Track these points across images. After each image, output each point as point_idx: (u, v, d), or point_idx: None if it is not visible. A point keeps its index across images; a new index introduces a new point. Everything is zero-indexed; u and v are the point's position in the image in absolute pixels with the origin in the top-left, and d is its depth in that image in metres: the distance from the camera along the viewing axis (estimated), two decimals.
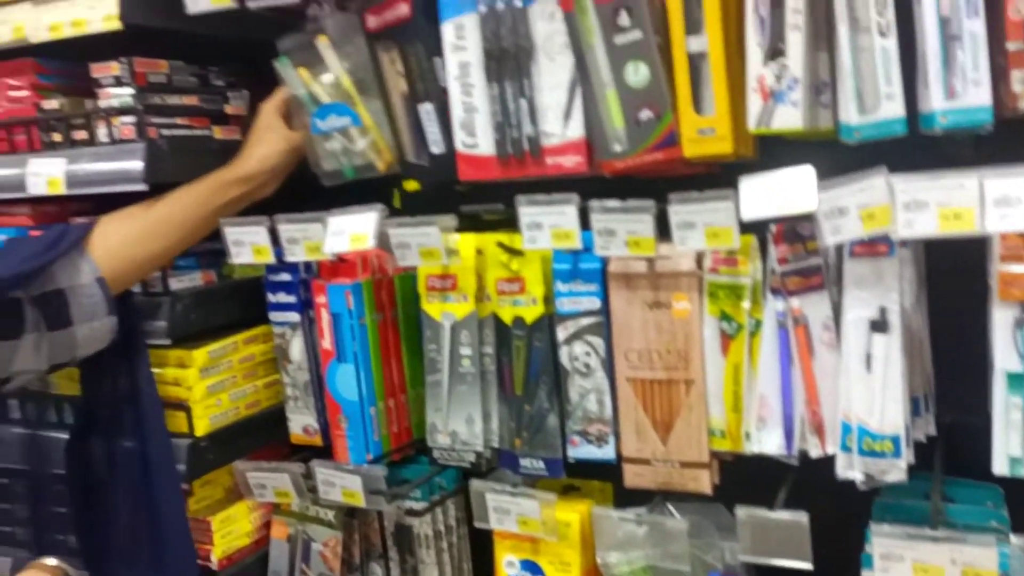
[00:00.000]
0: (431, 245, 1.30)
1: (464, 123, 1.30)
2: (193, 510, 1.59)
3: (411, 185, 1.45)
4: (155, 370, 1.53)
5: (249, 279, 1.64)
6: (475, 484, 1.37)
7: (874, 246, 1.12)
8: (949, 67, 1.01)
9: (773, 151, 1.21)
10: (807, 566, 1.15)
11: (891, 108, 1.05)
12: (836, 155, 1.12)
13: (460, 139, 1.31)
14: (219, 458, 1.56)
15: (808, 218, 1.14)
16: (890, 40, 1.04)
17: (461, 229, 1.31)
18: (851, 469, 1.16)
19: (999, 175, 0.95)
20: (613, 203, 1.16)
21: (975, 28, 1.00)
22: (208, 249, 1.68)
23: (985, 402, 1.31)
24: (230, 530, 1.60)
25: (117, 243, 1.34)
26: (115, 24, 1.34)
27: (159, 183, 1.42)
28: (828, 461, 1.19)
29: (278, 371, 1.69)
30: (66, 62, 1.52)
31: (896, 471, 1.14)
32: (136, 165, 1.40)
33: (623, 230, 1.16)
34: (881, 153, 1.07)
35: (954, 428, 1.31)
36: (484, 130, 1.29)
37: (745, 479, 1.28)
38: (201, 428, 1.52)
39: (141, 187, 1.40)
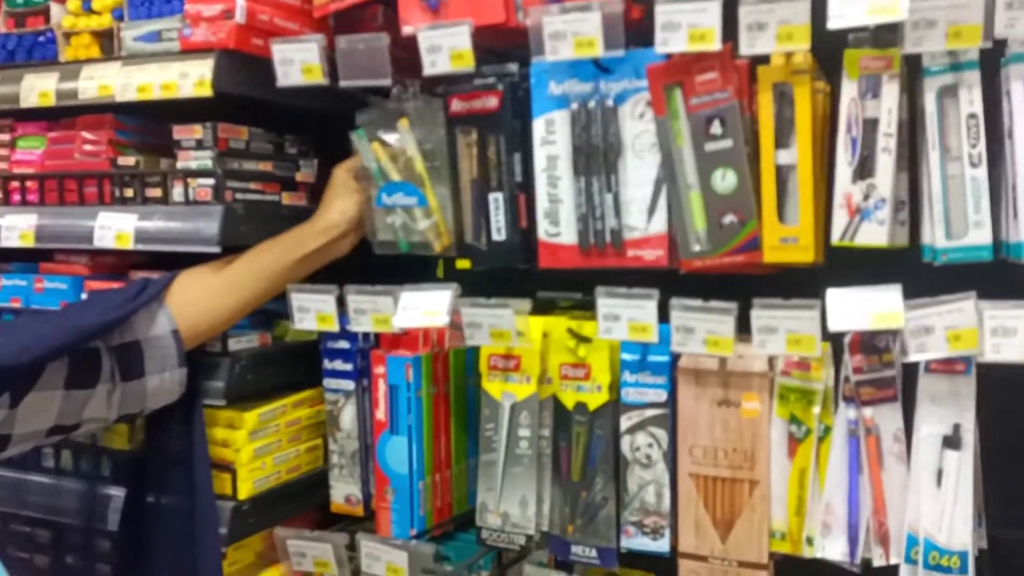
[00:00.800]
0: (503, 327, 1.32)
1: (548, 212, 1.33)
2: (226, 574, 1.57)
3: (463, 264, 1.47)
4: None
5: (303, 343, 1.64)
6: (528, 570, 1.36)
7: (951, 364, 1.15)
8: None
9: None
10: None
11: (979, 235, 1.10)
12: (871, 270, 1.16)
13: (543, 228, 1.34)
14: (259, 523, 1.54)
15: (886, 330, 1.18)
16: (980, 170, 1.09)
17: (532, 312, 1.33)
18: None
19: None
20: (695, 302, 1.19)
21: None
22: (261, 310, 1.70)
23: None
24: None
25: (196, 296, 1.36)
26: (206, 91, 1.37)
27: (230, 246, 1.44)
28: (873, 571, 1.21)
29: (320, 436, 1.69)
30: (144, 120, 1.54)
31: None
32: (212, 227, 1.41)
33: (702, 328, 1.19)
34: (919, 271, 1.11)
35: (1000, 541, 1.33)
36: (568, 220, 1.32)
37: None
38: (244, 491, 1.51)
39: (215, 249, 1.42)
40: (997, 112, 1.11)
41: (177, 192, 1.46)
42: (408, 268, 1.50)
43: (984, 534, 1.28)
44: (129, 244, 1.47)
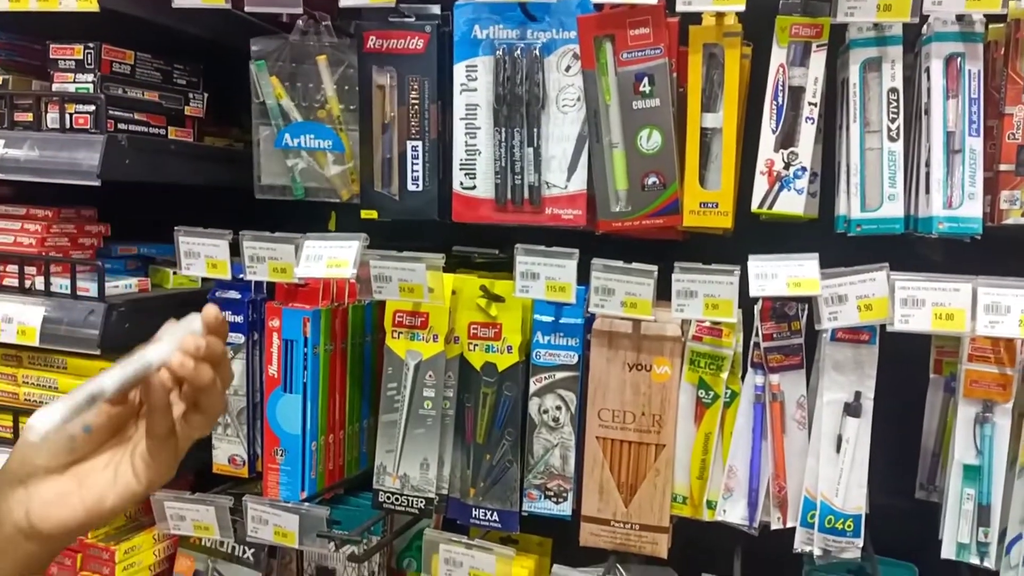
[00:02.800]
0: (414, 282, 1.26)
1: (465, 164, 1.28)
2: (95, 536, 1.45)
3: (369, 214, 1.40)
4: (73, 381, 1.40)
5: (186, 291, 1.53)
6: (429, 534, 1.32)
7: (857, 333, 1.18)
8: (950, 178, 1.09)
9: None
10: None
11: (893, 208, 1.12)
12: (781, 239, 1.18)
13: (459, 180, 1.28)
14: None
15: (795, 299, 1.20)
16: (898, 144, 1.11)
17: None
18: (809, 544, 1.21)
19: (992, 284, 1.03)
20: (616, 263, 1.17)
21: (975, 145, 1.09)
22: (136, 255, 1.57)
23: (909, 487, 1.41)
24: (133, 561, 1.47)
25: None
26: (92, 6, 1.23)
27: (113, 181, 1.31)
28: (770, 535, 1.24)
29: None
30: (16, 36, 1.38)
31: (852, 549, 1.19)
32: (92, 158, 1.28)
33: (622, 290, 1.17)
34: (827, 241, 1.14)
35: (879, 509, 1.39)
36: (485, 173, 1.27)
37: (684, 544, 1.31)
38: None
39: (94, 182, 1.28)
40: (913, 89, 1.14)
41: (52, 118, 1.32)
42: (289, 218, 1.40)
43: (867, 501, 1.34)
44: None
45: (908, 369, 1.33)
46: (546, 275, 1.20)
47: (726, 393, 1.25)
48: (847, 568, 1.39)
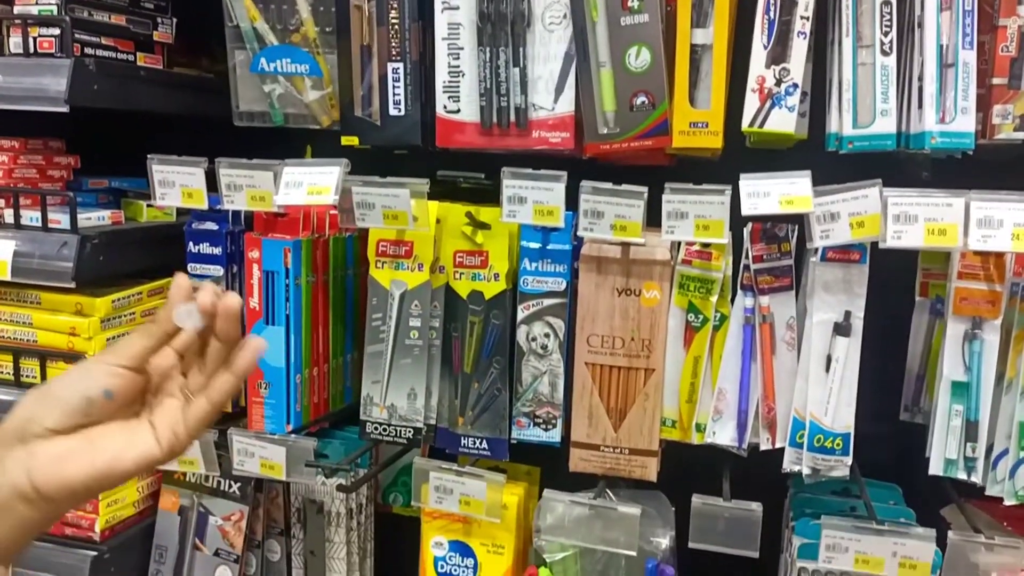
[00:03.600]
0: (398, 208, 1.23)
1: (448, 86, 1.24)
2: None
3: (350, 140, 1.36)
4: (48, 316, 1.36)
5: (159, 225, 1.49)
6: (419, 462, 1.31)
7: (847, 253, 1.17)
8: (943, 92, 1.08)
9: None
10: (754, 554, 1.19)
11: (885, 124, 1.11)
12: (766, 163, 1.16)
13: (442, 103, 1.25)
14: None
15: (785, 219, 1.19)
16: (891, 59, 1.10)
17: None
18: (798, 464, 1.22)
19: (985, 198, 1.02)
20: (605, 185, 1.15)
21: (968, 59, 1.08)
22: (107, 188, 1.52)
23: (893, 410, 1.42)
24: (115, 499, 1.45)
25: None
26: None
27: (80, 111, 1.25)
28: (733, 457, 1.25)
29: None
30: None
31: (842, 467, 1.20)
32: (59, 83, 1.23)
33: (611, 213, 1.15)
34: (816, 163, 1.12)
35: (863, 432, 1.41)
36: (469, 96, 1.24)
37: (671, 467, 1.32)
38: None
39: (62, 108, 1.23)
40: (906, 3, 1.12)
41: (15, 42, 1.26)
42: (264, 152, 1.35)
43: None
44: None
45: (892, 293, 1.33)
46: (534, 199, 1.17)
47: (715, 316, 1.25)
48: (831, 489, 1.41)
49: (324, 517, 1.49)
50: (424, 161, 1.37)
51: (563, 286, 1.28)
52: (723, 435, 1.25)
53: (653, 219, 1.14)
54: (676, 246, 1.25)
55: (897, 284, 1.36)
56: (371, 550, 1.58)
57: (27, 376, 1.38)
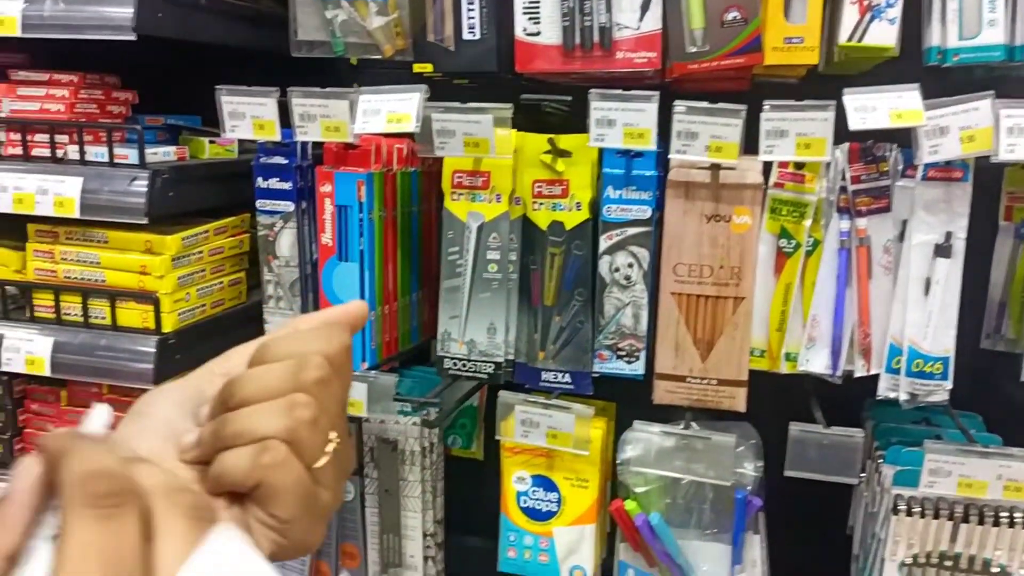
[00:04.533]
0: (480, 135, 1.19)
1: (528, 8, 1.19)
2: None
3: (424, 67, 1.32)
4: (117, 256, 1.33)
5: (224, 161, 1.45)
6: (504, 396, 1.29)
7: (949, 171, 1.13)
8: None
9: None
10: (853, 481, 1.18)
11: (993, 34, 1.06)
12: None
13: (521, 26, 1.20)
14: (185, 359, 1.38)
15: (883, 137, 1.15)
16: None
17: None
18: (895, 390, 1.19)
19: None
20: (700, 104, 1.11)
21: None
22: (164, 126, 1.48)
23: (974, 337, 1.39)
24: None
25: None
26: None
27: (148, 36, 1.21)
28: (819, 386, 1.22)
29: (243, 269, 1.53)
30: None
31: (941, 392, 1.17)
32: (124, 11, 1.18)
33: (707, 134, 1.11)
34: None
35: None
36: (551, 17, 1.19)
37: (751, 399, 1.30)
38: (169, 323, 1.34)
39: (128, 36, 1.19)
40: None
41: None
42: (315, 78, 1.30)
43: None
44: (16, 31, 1.21)
45: (975, 218, 1.29)
46: (624, 121, 1.14)
47: (808, 241, 1.21)
48: (911, 418, 1.39)
49: (399, 455, 1.47)
50: (492, 91, 1.32)
51: (648, 214, 1.24)
52: (816, 363, 1.23)
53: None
54: (767, 170, 1.21)
55: (979, 208, 1.32)
56: (441, 488, 1.57)
57: (96, 317, 1.35)
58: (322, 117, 1.23)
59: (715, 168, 1.20)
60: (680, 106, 1.11)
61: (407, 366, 1.59)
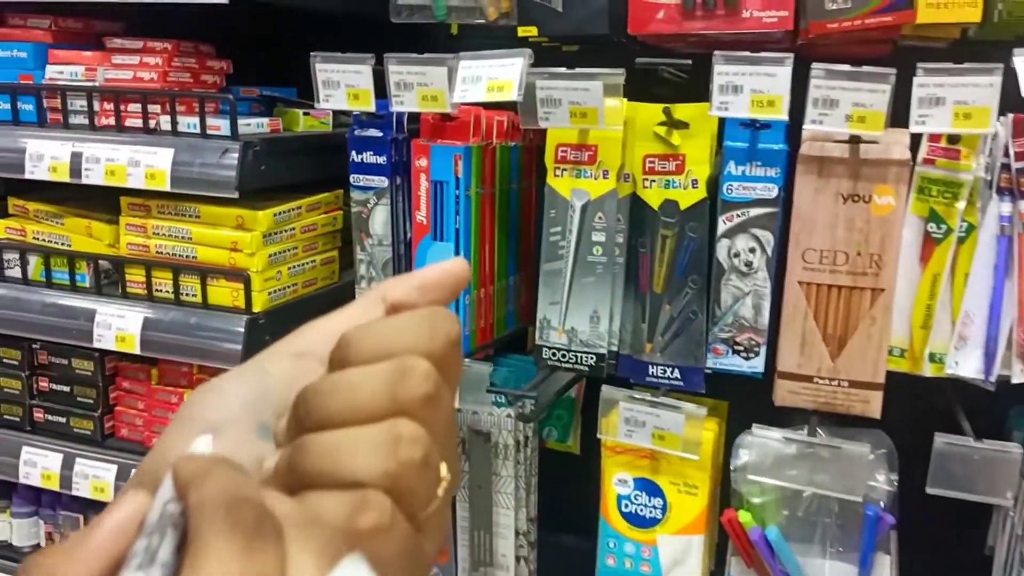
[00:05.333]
0: (588, 104, 1.09)
1: None
2: None
3: (529, 31, 1.23)
4: (208, 231, 1.29)
5: (318, 134, 1.39)
6: (606, 391, 1.19)
7: None
8: None
9: None
10: (1007, 503, 1.03)
11: None
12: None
13: None
14: (275, 341, 1.32)
15: None
16: None
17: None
18: None
19: None
20: (842, 67, 0.97)
21: None
22: (259, 97, 1.43)
23: None
24: None
25: None
26: None
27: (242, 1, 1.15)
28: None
29: (336, 248, 1.47)
30: None
31: None
32: None
33: (848, 101, 0.98)
34: None
35: None
36: None
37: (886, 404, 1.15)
38: (259, 303, 1.29)
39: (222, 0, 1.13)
40: None
41: None
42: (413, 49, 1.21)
43: None
44: None
45: None
46: (751, 87, 1.01)
47: (961, 227, 1.06)
48: None
49: (491, 449, 1.39)
50: (601, 58, 1.21)
51: (774, 193, 1.11)
52: (967, 366, 1.08)
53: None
54: (915, 144, 1.07)
55: None
56: (536, 485, 1.48)
57: (187, 294, 1.31)
58: (419, 86, 1.15)
59: (855, 141, 1.06)
60: (819, 69, 0.98)
61: (502, 354, 1.50)
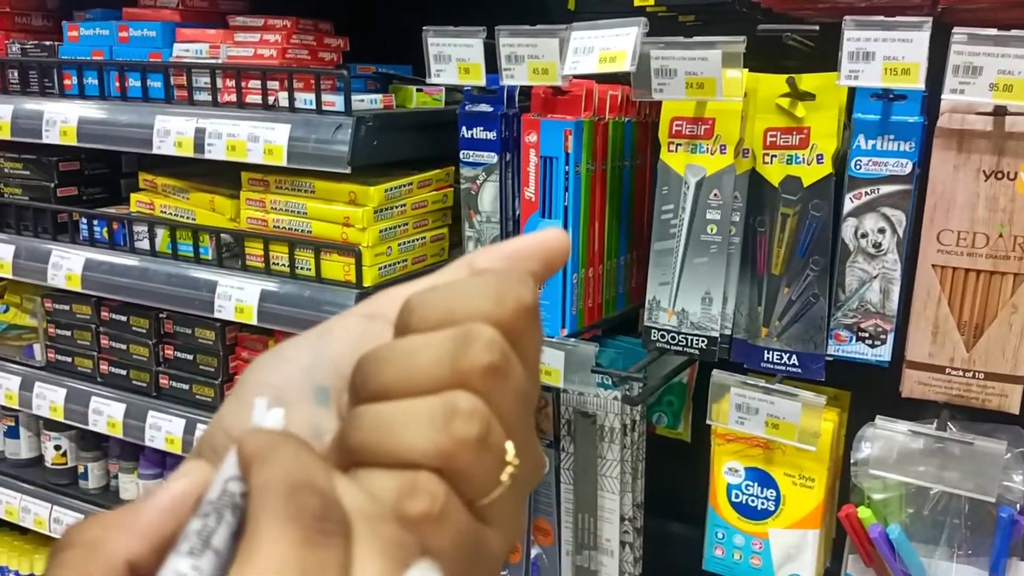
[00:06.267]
0: (705, 75, 1.04)
1: None
2: None
3: (646, 1, 1.18)
4: (322, 206, 1.31)
5: (430, 110, 1.39)
6: (717, 376, 1.14)
7: None
8: None
9: None
10: None
11: None
12: None
13: None
14: None
15: None
16: None
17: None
18: None
19: None
20: (987, 32, 0.89)
21: None
22: (375, 74, 1.44)
23: None
24: None
25: None
26: None
27: None
28: None
29: (446, 225, 1.47)
30: None
31: None
32: None
33: (993, 68, 0.89)
34: None
35: None
36: None
37: None
38: (370, 278, 1.30)
39: None
40: None
41: None
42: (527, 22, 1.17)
43: None
44: None
45: None
46: (884, 54, 0.94)
47: None
48: None
49: (597, 431, 1.36)
50: (721, 28, 1.16)
51: (908, 169, 1.04)
52: None
53: None
54: None
55: None
56: (643, 470, 1.45)
57: (302, 268, 1.34)
58: (530, 58, 1.13)
59: (1000, 113, 0.97)
60: (960, 33, 0.90)
61: (611, 335, 1.47)
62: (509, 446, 0.32)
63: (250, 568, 0.26)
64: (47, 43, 1.47)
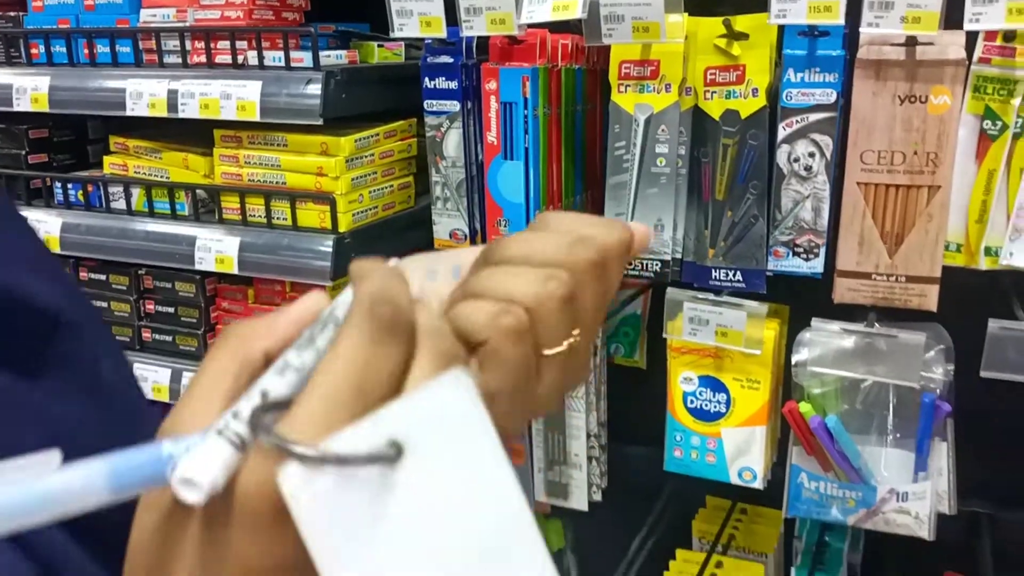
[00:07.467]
0: (650, 19, 1.14)
1: None
2: None
3: None
4: (295, 158, 1.39)
5: (392, 64, 1.47)
6: (672, 292, 1.26)
7: None
8: None
9: None
10: None
11: None
12: None
13: None
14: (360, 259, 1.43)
15: None
16: None
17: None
18: None
19: None
20: None
21: None
22: (335, 32, 1.51)
23: None
24: None
25: None
26: None
27: None
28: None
29: (411, 174, 1.55)
30: None
31: None
32: None
33: (903, 2, 1.02)
34: None
35: None
36: None
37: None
38: (345, 223, 1.39)
39: None
40: None
41: None
42: None
43: None
44: None
45: None
46: None
47: (1017, 123, 1.10)
48: None
49: None
50: None
51: (833, 98, 1.16)
52: (1021, 256, 1.12)
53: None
54: (970, 45, 1.10)
55: None
56: (604, 393, 1.57)
57: (278, 219, 1.42)
58: (488, 10, 1.22)
59: (911, 43, 1.10)
60: None
61: None
62: (576, 330, 0.42)
63: (332, 355, 0.35)
64: (11, 14, 1.51)
